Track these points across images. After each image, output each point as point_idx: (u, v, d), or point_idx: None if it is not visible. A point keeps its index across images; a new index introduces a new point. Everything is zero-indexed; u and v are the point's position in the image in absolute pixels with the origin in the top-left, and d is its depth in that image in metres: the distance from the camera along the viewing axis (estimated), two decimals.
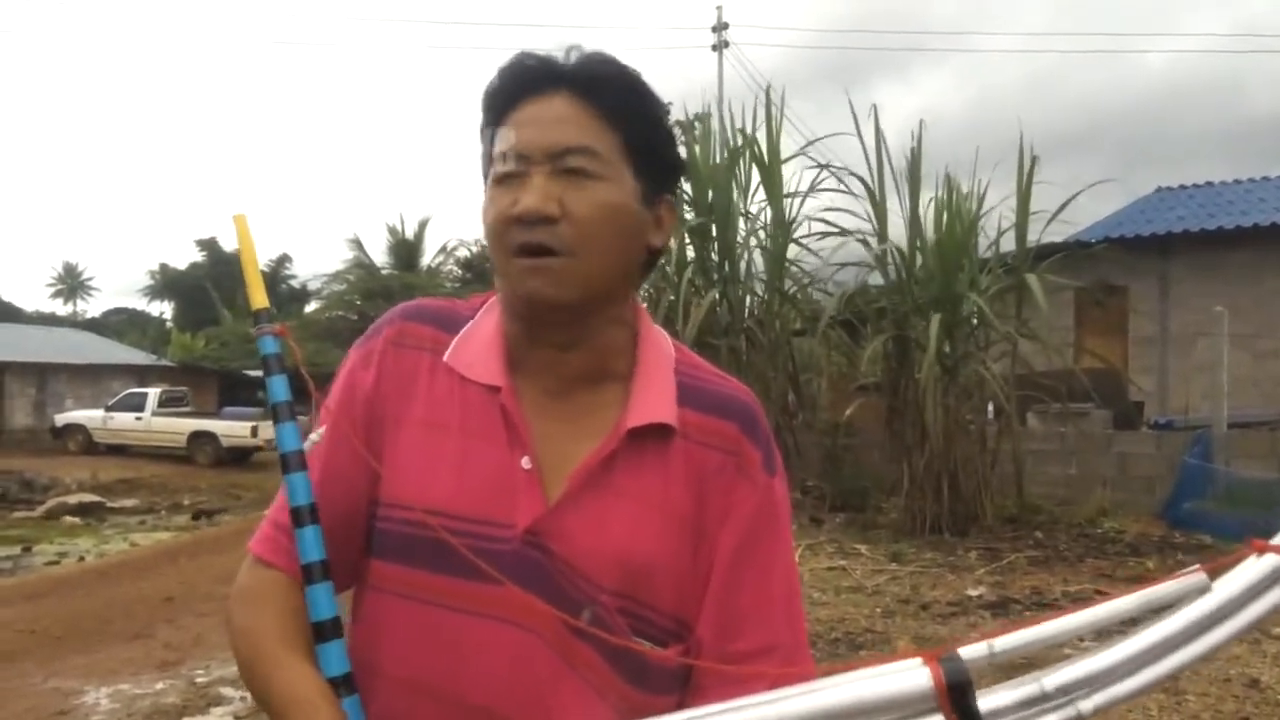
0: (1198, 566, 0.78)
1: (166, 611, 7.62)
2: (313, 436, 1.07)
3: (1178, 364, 15.05)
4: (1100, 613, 0.77)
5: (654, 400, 1.07)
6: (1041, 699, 0.75)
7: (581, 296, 1.03)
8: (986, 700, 0.75)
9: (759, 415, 1.13)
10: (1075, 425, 11.94)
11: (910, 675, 0.76)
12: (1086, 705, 0.75)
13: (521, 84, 1.06)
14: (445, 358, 1.09)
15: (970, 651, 0.77)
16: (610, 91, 1.06)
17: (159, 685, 5.67)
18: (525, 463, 1.04)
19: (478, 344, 1.10)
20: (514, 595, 0.99)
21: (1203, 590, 0.76)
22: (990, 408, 11.40)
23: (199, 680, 5.73)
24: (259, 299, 1.08)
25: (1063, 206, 10.96)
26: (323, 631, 0.99)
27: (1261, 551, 0.77)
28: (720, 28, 27.07)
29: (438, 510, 1.03)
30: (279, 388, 1.06)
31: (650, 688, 1.02)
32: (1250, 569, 0.76)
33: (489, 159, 1.07)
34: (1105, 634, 0.79)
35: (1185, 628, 0.75)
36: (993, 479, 10.50)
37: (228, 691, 5.46)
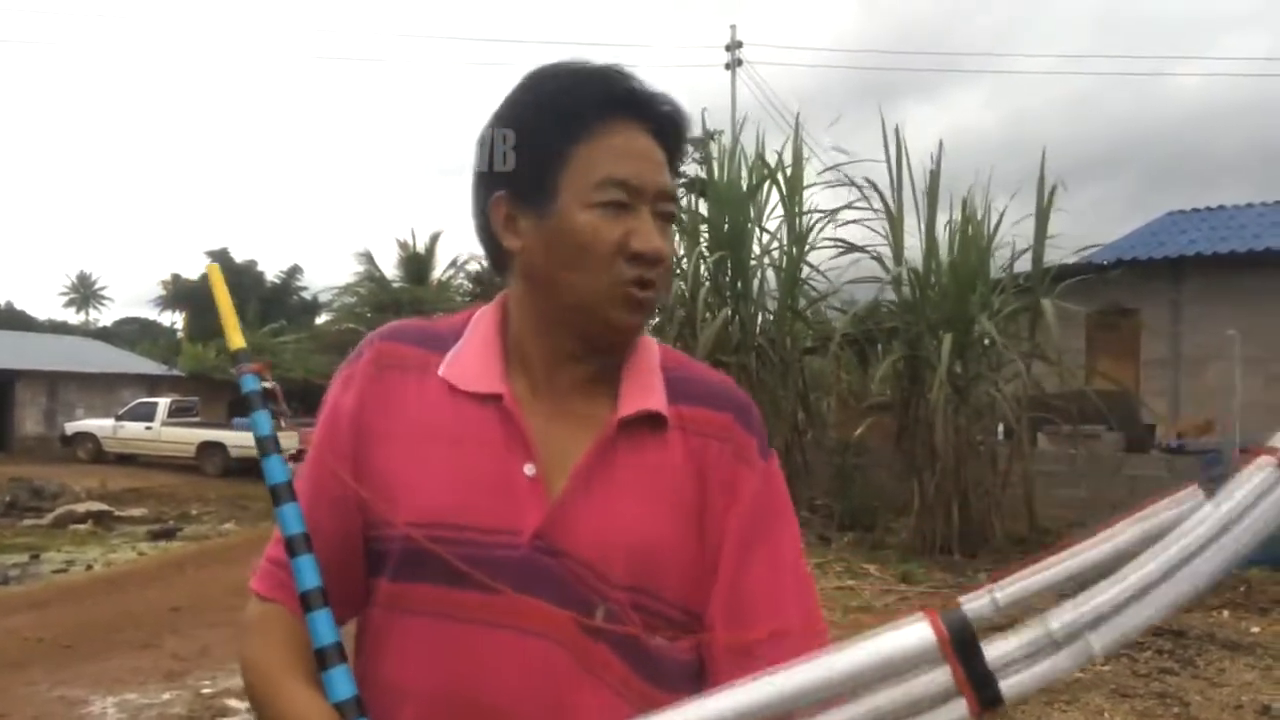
0: (1193, 484, 0.74)
1: (174, 622, 7.62)
2: (293, 466, 1.07)
3: (1189, 387, 14.98)
4: (1101, 546, 0.74)
5: (642, 392, 1.09)
6: (1049, 642, 0.72)
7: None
8: (993, 649, 0.73)
9: (750, 404, 1.16)
10: (1086, 447, 11.90)
11: (912, 631, 0.74)
12: (1097, 642, 0.72)
13: (607, 104, 1.06)
14: (440, 372, 1.09)
15: (972, 601, 0.75)
16: (680, 142, 1.12)
17: (165, 695, 5.66)
18: (529, 469, 1.04)
19: (471, 357, 1.10)
20: (526, 602, 0.99)
21: (1198, 508, 0.73)
22: (1001, 429, 11.37)
23: (205, 691, 5.72)
24: (236, 340, 1.11)
25: (1085, 249, 11.01)
26: (326, 658, 0.99)
27: (1255, 457, 0.74)
28: (734, 46, 27.11)
29: (439, 523, 1.02)
30: (263, 423, 1.07)
31: (667, 684, 1.02)
32: (1245, 479, 0.73)
33: (558, 169, 1.05)
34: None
35: (1186, 548, 0.71)
36: (1003, 500, 10.46)
37: (234, 703, 5.45)
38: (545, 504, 1.03)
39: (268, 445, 1.05)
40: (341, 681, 0.98)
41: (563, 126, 1.05)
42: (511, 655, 1.00)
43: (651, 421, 1.08)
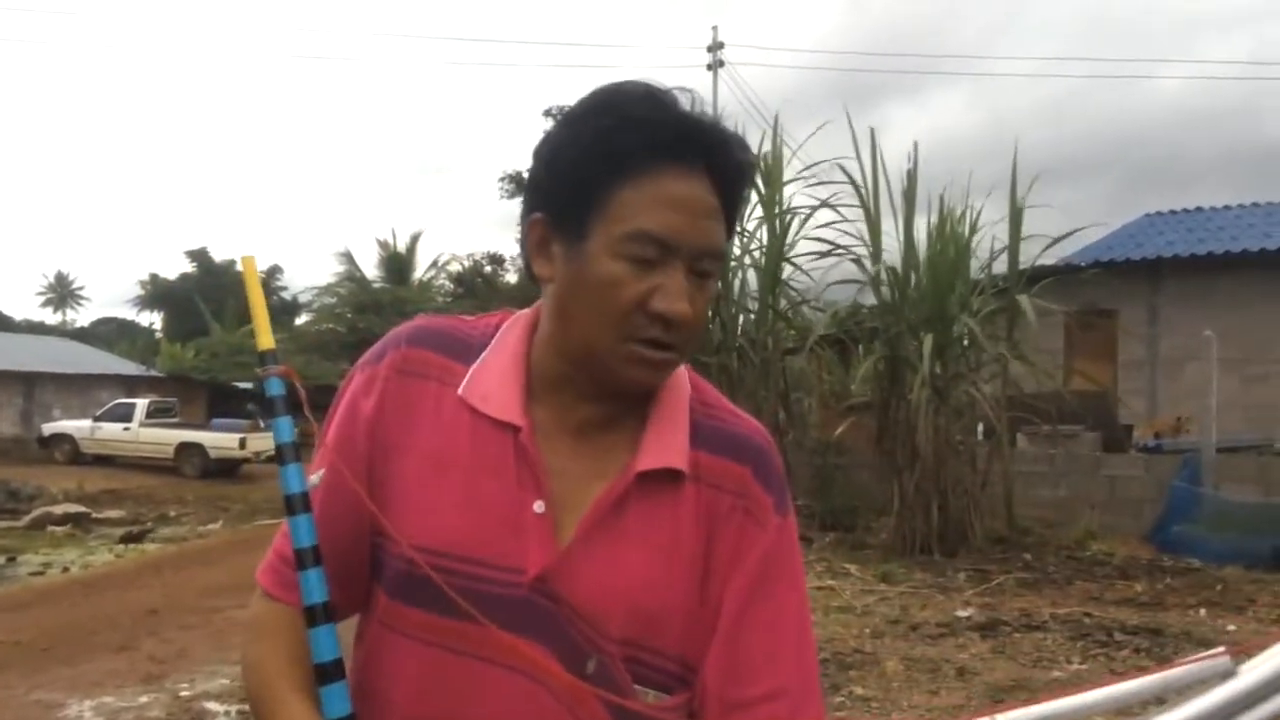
0: (1223, 649, 0.72)
1: (151, 624, 7.56)
2: (312, 479, 1.06)
3: (1166, 388, 15.11)
4: (1114, 692, 0.71)
5: (666, 443, 1.06)
6: None
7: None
8: None
9: (772, 457, 1.12)
10: (1065, 447, 11.98)
11: None
12: None
13: (661, 147, 0.98)
14: (460, 391, 1.06)
15: None
16: (742, 193, 1.04)
17: (142, 699, 5.62)
18: (539, 507, 1.01)
19: (494, 376, 1.06)
20: (519, 643, 0.98)
21: (1226, 675, 0.70)
22: (980, 429, 11.43)
23: (183, 694, 5.68)
24: (265, 340, 1.06)
25: (1059, 239, 11.11)
26: (325, 674, 0.99)
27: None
28: (715, 47, 27.19)
29: (443, 551, 1.01)
30: (284, 429, 1.04)
31: None
32: (1276, 654, 0.69)
33: (592, 210, 0.99)
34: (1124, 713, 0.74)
35: (1206, 713, 0.68)
36: (982, 500, 10.52)
37: (212, 706, 5.42)
38: (550, 545, 1.01)
39: (287, 453, 1.03)
40: (338, 699, 0.98)
41: (606, 167, 0.98)
42: (500, 692, 1.00)
43: (670, 473, 1.05)
